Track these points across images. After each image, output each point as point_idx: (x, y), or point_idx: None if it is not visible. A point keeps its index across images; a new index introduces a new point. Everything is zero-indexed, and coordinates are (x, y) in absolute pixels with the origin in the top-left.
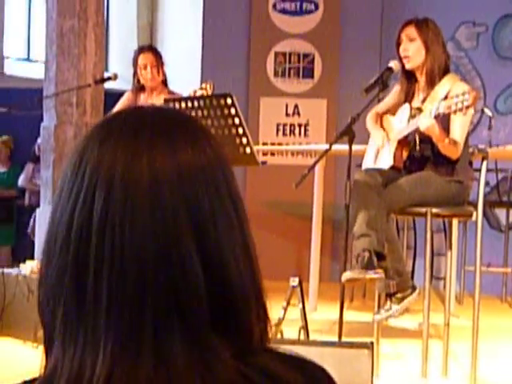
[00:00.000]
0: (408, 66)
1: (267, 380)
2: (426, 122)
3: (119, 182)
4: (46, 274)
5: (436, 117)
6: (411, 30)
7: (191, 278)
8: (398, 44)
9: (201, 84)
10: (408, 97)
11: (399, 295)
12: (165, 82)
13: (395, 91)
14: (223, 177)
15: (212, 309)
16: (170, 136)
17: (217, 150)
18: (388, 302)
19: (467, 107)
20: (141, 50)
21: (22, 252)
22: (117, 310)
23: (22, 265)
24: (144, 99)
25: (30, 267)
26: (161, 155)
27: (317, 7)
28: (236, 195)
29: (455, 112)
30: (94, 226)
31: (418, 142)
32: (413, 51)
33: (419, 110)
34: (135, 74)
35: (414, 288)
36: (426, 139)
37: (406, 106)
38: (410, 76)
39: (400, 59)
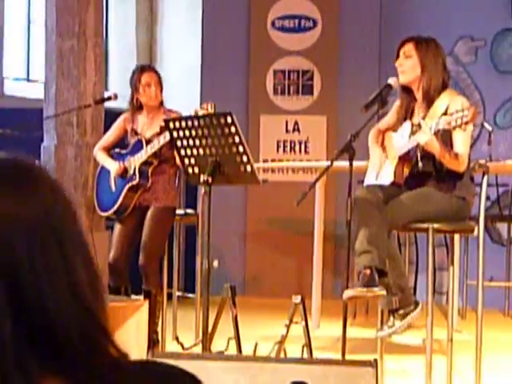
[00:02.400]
0: (402, 80)
1: None
2: (425, 138)
3: None
4: None
5: (436, 133)
6: (409, 47)
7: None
8: (397, 59)
9: (201, 104)
10: (408, 113)
11: (402, 311)
12: (162, 103)
13: (396, 108)
14: (45, 222)
15: (40, 349)
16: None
17: (43, 193)
18: (391, 319)
19: (466, 123)
20: (143, 68)
21: None
22: None
23: None
24: (142, 119)
25: None
26: None
27: (315, 24)
28: (63, 239)
29: (454, 128)
30: None
31: (419, 158)
32: (407, 67)
33: (420, 126)
34: (134, 93)
35: (416, 304)
36: (427, 155)
37: (407, 123)
38: (409, 93)
39: (398, 75)
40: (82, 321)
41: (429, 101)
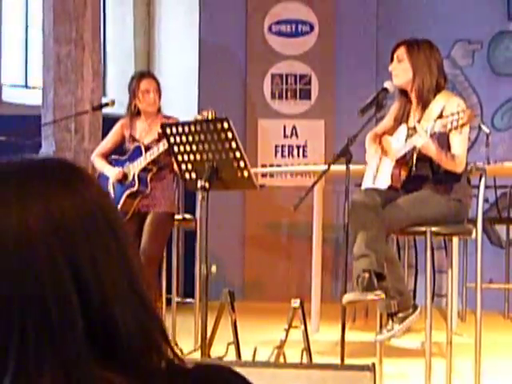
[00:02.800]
0: (395, 83)
1: None
2: (421, 141)
3: None
4: None
5: (432, 135)
6: (402, 51)
7: (70, 325)
8: (391, 63)
9: (200, 109)
10: (404, 116)
11: (401, 315)
12: (159, 110)
13: (393, 111)
14: (101, 218)
15: (98, 347)
16: (39, 183)
17: (92, 189)
18: (390, 322)
19: (462, 125)
20: (142, 74)
21: None
22: None
23: None
24: (140, 125)
25: None
26: (31, 203)
27: (312, 28)
28: (116, 231)
29: (450, 130)
30: None
31: (415, 162)
32: (399, 71)
33: (415, 129)
34: (132, 99)
35: (415, 307)
36: (423, 158)
37: (403, 126)
38: (405, 95)
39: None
40: (141, 318)
41: (423, 103)
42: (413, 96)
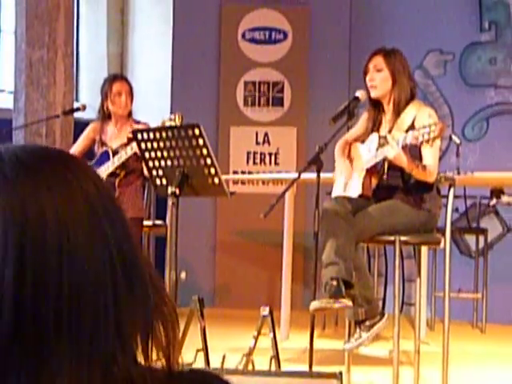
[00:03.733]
0: (373, 95)
1: None
2: (393, 152)
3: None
4: None
5: (404, 147)
6: (379, 60)
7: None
8: (365, 73)
9: (170, 115)
10: (375, 125)
11: (368, 322)
12: (130, 113)
13: (363, 119)
14: (100, 207)
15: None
16: (36, 173)
17: (94, 180)
18: (358, 330)
19: (434, 138)
20: (115, 77)
21: None
22: None
23: None
24: (110, 129)
25: None
26: (29, 198)
27: (286, 36)
28: (123, 228)
29: (422, 143)
30: None
31: (386, 171)
32: (379, 81)
33: (386, 139)
34: (104, 102)
35: (382, 314)
36: (395, 167)
37: (375, 135)
38: (377, 105)
39: (367, 88)
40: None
41: (398, 111)
42: (389, 106)
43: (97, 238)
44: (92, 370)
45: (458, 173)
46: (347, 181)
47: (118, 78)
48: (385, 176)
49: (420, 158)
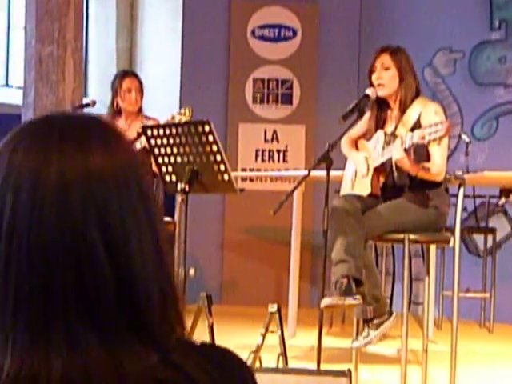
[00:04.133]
0: (381, 94)
1: (178, 379)
2: (396, 155)
3: (28, 184)
4: None
5: (407, 149)
6: (386, 59)
7: (99, 275)
8: (372, 71)
9: (179, 109)
10: (380, 123)
11: (376, 321)
12: (140, 109)
13: (366, 117)
14: (133, 179)
15: (119, 304)
16: (79, 140)
17: (128, 152)
18: (366, 329)
19: (441, 138)
20: (125, 73)
21: None
22: (24, 310)
23: None
24: (121, 124)
25: None
26: (70, 159)
27: (295, 34)
28: (146, 196)
29: (429, 142)
30: (3, 229)
31: (394, 169)
32: (387, 79)
33: (393, 135)
34: (114, 97)
35: (390, 313)
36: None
37: (380, 132)
38: (382, 103)
39: (372, 86)
40: (163, 286)
41: (403, 109)
42: (396, 103)
43: (66, 222)
44: (116, 328)
45: (467, 172)
46: (355, 180)
47: (128, 74)
48: (395, 174)
49: (427, 157)
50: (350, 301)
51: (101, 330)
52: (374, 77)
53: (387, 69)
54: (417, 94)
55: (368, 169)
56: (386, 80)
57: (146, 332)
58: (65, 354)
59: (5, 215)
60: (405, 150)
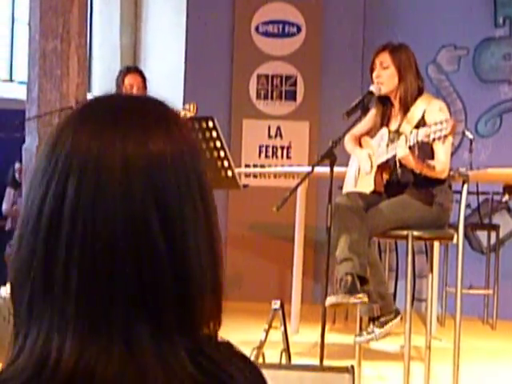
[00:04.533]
0: (381, 91)
1: (218, 379)
2: (401, 153)
3: (92, 168)
4: (16, 259)
5: (411, 146)
6: (385, 57)
7: (158, 265)
8: (372, 69)
9: (184, 105)
10: (384, 120)
11: (382, 319)
12: None
13: (371, 114)
14: (193, 167)
15: (172, 296)
16: (143, 125)
17: (189, 140)
18: (371, 325)
19: (445, 136)
20: (128, 70)
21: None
22: (87, 297)
23: (2, 287)
24: None
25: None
26: (133, 143)
27: (299, 30)
28: (205, 186)
29: (434, 140)
30: (65, 212)
31: (398, 166)
32: (385, 78)
33: (397, 133)
34: None
35: (397, 312)
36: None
37: (384, 130)
38: (385, 100)
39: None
40: (213, 280)
41: (405, 107)
42: (396, 101)
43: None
44: (167, 319)
45: (471, 168)
46: (358, 177)
47: (131, 70)
48: (398, 171)
49: (432, 155)
50: (354, 299)
51: (154, 321)
52: (373, 75)
53: (386, 67)
54: (420, 92)
55: (371, 166)
56: (384, 78)
57: (192, 327)
58: (121, 351)
59: (67, 199)
60: (409, 147)
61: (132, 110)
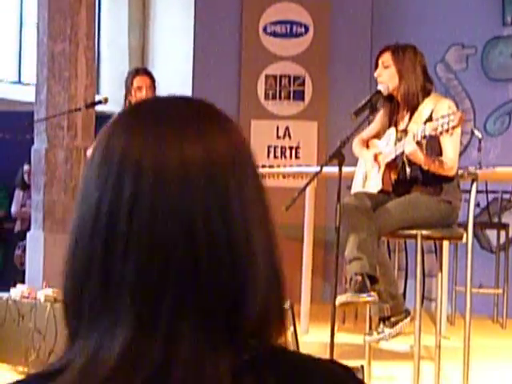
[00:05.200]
0: (382, 91)
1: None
2: (409, 148)
3: (149, 167)
4: (73, 259)
5: (419, 142)
6: (387, 57)
7: (216, 264)
8: (376, 69)
9: None
10: (392, 120)
11: (393, 319)
12: None
13: (378, 117)
14: (250, 165)
15: (226, 301)
16: (198, 123)
17: (243, 139)
18: (381, 325)
19: (453, 128)
20: (137, 71)
21: (9, 276)
22: (139, 295)
23: (12, 289)
24: None
25: (20, 291)
26: (189, 142)
27: (307, 30)
28: (261, 184)
29: (441, 133)
30: (122, 211)
31: (406, 164)
32: (386, 77)
33: (405, 132)
34: (127, 95)
35: (407, 312)
36: (414, 161)
37: (392, 130)
38: (392, 100)
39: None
40: (273, 279)
41: (410, 107)
42: (401, 101)
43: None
44: (216, 324)
45: (480, 167)
46: (368, 172)
47: (140, 72)
48: (407, 170)
49: (440, 149)
50: (365, 298)
51: (203, 323)
52: (375, 74)
53: (387, 67)
54: (425, 93)
55: (379, 165)
56: (384, 78)
57: (245, 333)
58: (161, 349)
59: (123, 199)
60: (417, 142)
61: (186, 109)
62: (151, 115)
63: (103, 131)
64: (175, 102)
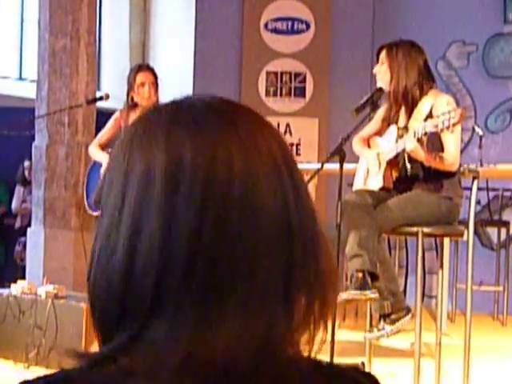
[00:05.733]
0: (378, 86)
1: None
2: (410, 145)
3: (240, 167)
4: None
5: (420, 138)
6: (383, 54)
7: (308, 257)
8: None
9: None
10: (393, 117)
11: (394, 316)
12: (157, 102)
13: (378, 116)
14: (295, 162)
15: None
16: (269, 124)
17: (282, 137)
18: (381, 322)
19: (454, 125)
20: (140, 67)
21: (10, 272)
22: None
23: (12, 285)
24: (135, 117)
25: (20, 288)
26: (267, 139)
27: (308, 27)
28: (303, 181)
29: (442, 130)
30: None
31: (407, 161)
32: (381, 74)
33: (406, 129)
34: (129, 91)
35: (408, 309)
36: (415, 158)
37: (393, 127)
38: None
39: None
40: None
41: (400, 104)
42: (391, 97)
43: (278, 195)
44: (257, 323)
45: (481, 165)
46: (367, 174)
47: (142, 68)
48: (408, 166)
49: (441, 146)
50: (366, 295)
51: (265, 310)
52: (374, 71)
53: (382, 64)
54: (422, 90)
55: (380, 164)
56: (380, 75)
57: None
58: (224, 341)
59: (192, 205)
60: (418, 139)
61: (252, 111)
62: (213, 120)
63: (132, 129)
64: (240, 105)
